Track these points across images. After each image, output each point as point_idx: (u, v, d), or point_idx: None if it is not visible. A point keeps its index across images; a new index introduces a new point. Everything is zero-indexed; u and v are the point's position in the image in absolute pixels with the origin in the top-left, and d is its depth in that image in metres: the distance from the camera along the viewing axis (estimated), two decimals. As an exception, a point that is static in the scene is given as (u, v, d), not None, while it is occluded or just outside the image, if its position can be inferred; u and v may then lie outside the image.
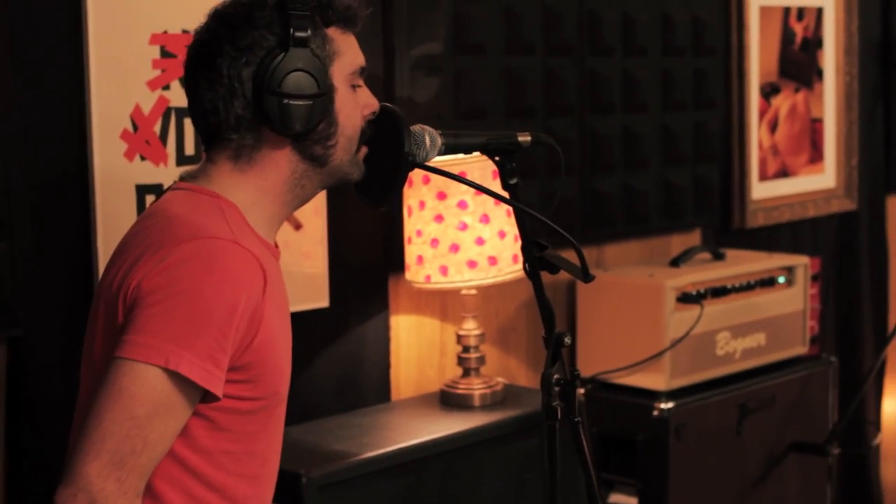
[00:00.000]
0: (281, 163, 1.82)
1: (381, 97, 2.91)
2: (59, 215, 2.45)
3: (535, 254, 1.91)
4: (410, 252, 2.85)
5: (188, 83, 1.84)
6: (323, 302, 2.85)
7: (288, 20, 1.77)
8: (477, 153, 2.01)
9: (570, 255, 1.97)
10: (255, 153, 1.82)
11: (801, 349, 3.57)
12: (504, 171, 1.94)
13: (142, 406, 1.65)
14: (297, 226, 2.79)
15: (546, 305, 1.93)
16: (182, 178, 1.87)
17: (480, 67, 3.13)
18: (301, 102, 1.77)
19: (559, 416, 1.90)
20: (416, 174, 2.78)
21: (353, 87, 1.86)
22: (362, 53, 1.89)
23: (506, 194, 1.93)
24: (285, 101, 1.76)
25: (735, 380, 3.34)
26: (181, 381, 1.66)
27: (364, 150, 1.89)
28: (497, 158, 1.95)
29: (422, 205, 2.81)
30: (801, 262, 3.56)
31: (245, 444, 1.79)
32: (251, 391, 1.76)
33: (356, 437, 2.67)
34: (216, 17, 1.82)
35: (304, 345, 2.85)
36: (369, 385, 2.98)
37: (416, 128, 1.89)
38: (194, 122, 1.86)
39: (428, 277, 2.81)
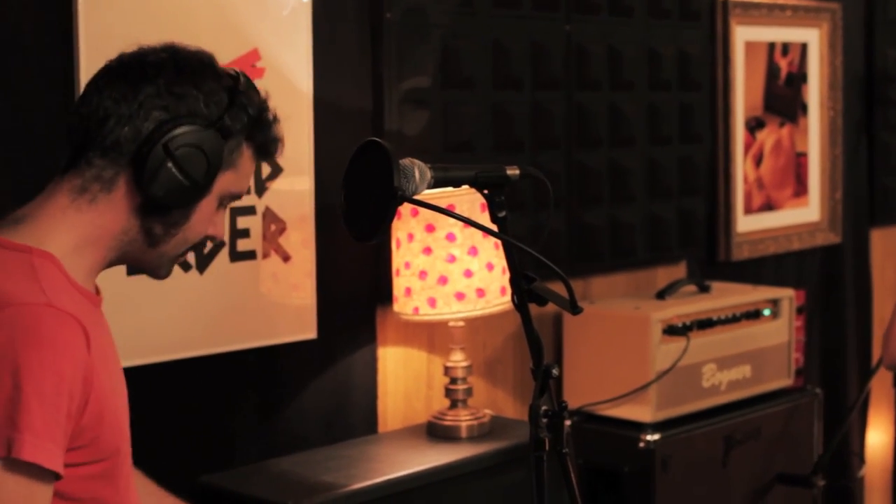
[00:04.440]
0: (119, 217, 1.73)
1: (370, 130, 2.95)
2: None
3: (524, 286, 1.92)
4: (399, 284, 2.86)
5: (97, 82, 1.74)
6: (311, 333, 2.86)
7: (230, 106, 1.73)
8: (465, 186, 2.02)
9: (558, 288, 1.98)
10: (103, 195, 1.72)
11: (786, 381, 3.59)
12: (493, 204, 1.95)
13: None
14: (286, 258, 2.80)
15: (534, 337, 1.93)
16: (1, 224, 1.73)
17: (469, 101, 3.16)
18: (179, 177, 1.70)
19: (547, 448, 1.91)
20: (406, 206, 2.80)
21: (221, 204, 1.82)
22: (247, 186, 1.83)
23: (494, 227, 1.94)
24: (169, 164, 1.69)
25: (721, 411, 3.36)
26: (28, 468, 1.55)
27: (185, 257, 1.85)
28: (486, 192, 1.96)
29: (410, 237, 2.82)
30: (786, 294, 3.58)
31: None
32: (91, 455, 1.67)
33: (344, 468, 2.68)
34: (172, 51, 1.76)
35: (291, 376, 2.87)
36: (357, 417, 2.99)
37: (406, 161, 1.90)
38: (72, 126, 1.74)
39: (416, 309, 2.82)
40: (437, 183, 1.93)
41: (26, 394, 1.54)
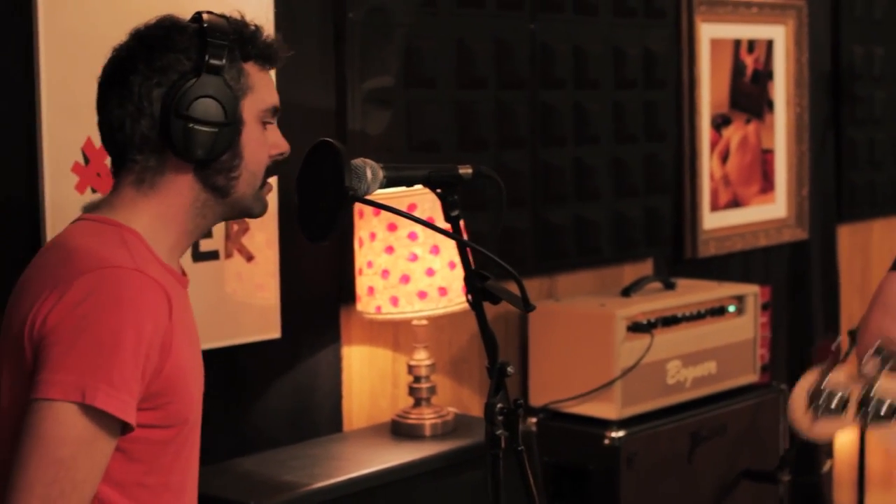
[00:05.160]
0: (183, 189, 1.84)
1: (333, 130, 2.96)
2: (8, 249, 2.45)
3: (477, 284, 1.93)
4: (361, 283, 2.87)
5: (100, 99, 1.86)
6: (275, 333, 2.86)
7: (205, 47, 1.80)
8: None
9: (514, 287, 1.99)
10: (158, 178, 1.83)
11: (751, 377, 3.61)
12: (446, 203, 1.96)
13: (65, 446, 1.64)
14: (249, 257, 2.81)
15: (489, 336, 1.95)
16: (86, 209, 1.88)
17: (432, 100, 3.17)
18: (206, 129, 1.80)
19: (503, 446, 1.92)
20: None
21: (264, 125, 1.89)
22: (277, 94, 1.91)
23: (448, 226, 1.96)
24: (190, 125, 1.79)
25: (686, 408, 3.38)
26: (99, 415, 1.66)
27: (269, 186, 1.92)
28: (439, 191, 1.97)
29: (372, 236, 2.83)
30: (750, 290, 3.60)
31: (160, 475, 1.79)
32: (161, 419, 1.76)
33: (307, 467, 2.69)
34: (136, 36, 1.85)
35: (256, 376, 2.87)
36: (321, 416, 2.99)
37: (358, 161, 1.91)
38: (103, 141, 1.87)
39: (379, 308, 2.83)
40: (389, 182, 1.94)
41: (107, 348, 1.66)
